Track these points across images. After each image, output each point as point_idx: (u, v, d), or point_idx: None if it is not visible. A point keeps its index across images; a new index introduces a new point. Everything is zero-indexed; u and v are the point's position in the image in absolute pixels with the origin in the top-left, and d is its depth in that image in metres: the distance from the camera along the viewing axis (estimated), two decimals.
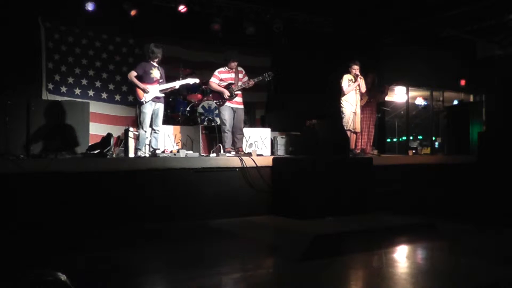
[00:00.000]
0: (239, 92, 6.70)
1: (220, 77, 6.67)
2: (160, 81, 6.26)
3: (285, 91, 9.42)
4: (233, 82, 6.65)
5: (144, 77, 6.17)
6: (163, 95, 6.34)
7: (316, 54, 9.89)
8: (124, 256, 4.08)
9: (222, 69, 6.74)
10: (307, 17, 9.91)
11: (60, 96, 8.29)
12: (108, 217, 5.03)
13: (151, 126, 6.30)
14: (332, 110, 7.83)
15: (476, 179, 7.84)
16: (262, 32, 9.58)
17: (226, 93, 6.57)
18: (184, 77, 8.34)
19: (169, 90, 6.52)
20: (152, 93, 6.17)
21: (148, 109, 6.17)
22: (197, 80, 7.00)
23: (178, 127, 7.57)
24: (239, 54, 7.03)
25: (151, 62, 6.26)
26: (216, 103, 6.80)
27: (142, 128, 6.20)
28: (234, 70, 6.71)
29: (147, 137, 6.37)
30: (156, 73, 6.25)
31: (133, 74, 6.17)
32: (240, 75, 6.74)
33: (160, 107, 6.32)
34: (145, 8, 8.55)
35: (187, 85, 7.16)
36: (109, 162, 5.49)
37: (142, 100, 6.13)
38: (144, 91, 6.12)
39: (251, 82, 6.68)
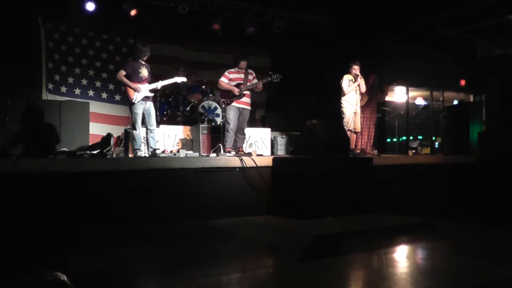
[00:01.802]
0: (247, 93, 6.72)
1: (230, 77, 6.70)
2: (148, 79, 6.24)
3: (285, 91, 9.42)
4: (241, 82, 6.68)
5: (133, 76, 6.10)
6: (152, 94, 6.31)
7: (316, 54, 9.90)
8: (123, 256, 4.07)
9: (232, 69, 6.79)
10: (307, 17, 9.90)
11: (60, 96, 8.29)
12: (108, 217, 5.03)
13: (145, 126, 6.27)
14: (332, 110, 7.83)
15: (476, 179, 7.84)
16: (262, 32, 9.58)
17: (236, 90, 6.59)
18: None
19: (157, 89, 6.44)
20: (143, 93, 6.13)
21: (139, 109, 6.12)
22: (184, 79, 6.89)
23: (178, 127, 7.57)
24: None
25: (139, 60, 6.22)
26: (223, 101, 6.81)
27: (135, 129, 6.17)
28: (243, 70, 6.74)
29: (144, 136, 6.36)
30: (144, 71, 6.20)
31: (122, 73, 6.10)
32: (250, 77, 6.77)
33: (151, 106, 6.26)
34: (145, 8, 8.55)
35: (175, 83, 6.96)
36: (109, 162, 5.49)
37: (133, 100, 6.07)
38: (136, 90, 6.07)
39: (260, 85, 6.72)
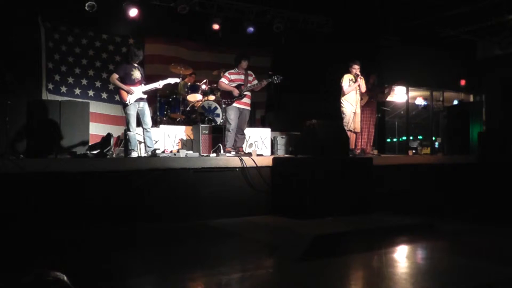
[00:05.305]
0: (247, 93, 6.76)
1: (230, 78, 6.73)
2: (141, 81, 6.27)
3: (285, 91, 9.42)
4: (242, 83, 6.71)
5: (126, 79, 6.17)
6: (145, 96, 6.33)
7: (316, 54, 9.90)
8: (124, 256, 4.08)
9: (232, 70, 6.83)
10: (307, 17, 9.91)
11: (60, 96, 8.30)
12: (108, 217, 5.03)
13: (141, 126, 6.30)
14: (332, 110, 7.83)
15: (476, 179, 7.84)
16: (262, 32, 9.59)
17: (236, 91, 6.62)
18: (184, 78, 8.37)
19: (152, 90, 6.48)
20: (136, 95, 6.17)
21: (132, 110, 6.17)
22: (177, 80, 6.89)
23: (178, 127, 7.57)
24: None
25: (132, 63, 6.27)
26: (224, 102, 6.84)
27: (130, 130, 6.20)
28: (243, 71, 6.78)
29: (140, 135, 6.36)
30: (137, 74, 6.26)
31: (115, 76, 6.19)
32: (250, 78, 6.82)
33: (145, 106, 6.30)
34: (145, 8, 8.55)
35: (169, 85, 6.93)
36: (109, 162, 5.49)
37: (126, 102, 6.12)
38: (129, 92, 6.12)
39: (264, 83, 6.77)
